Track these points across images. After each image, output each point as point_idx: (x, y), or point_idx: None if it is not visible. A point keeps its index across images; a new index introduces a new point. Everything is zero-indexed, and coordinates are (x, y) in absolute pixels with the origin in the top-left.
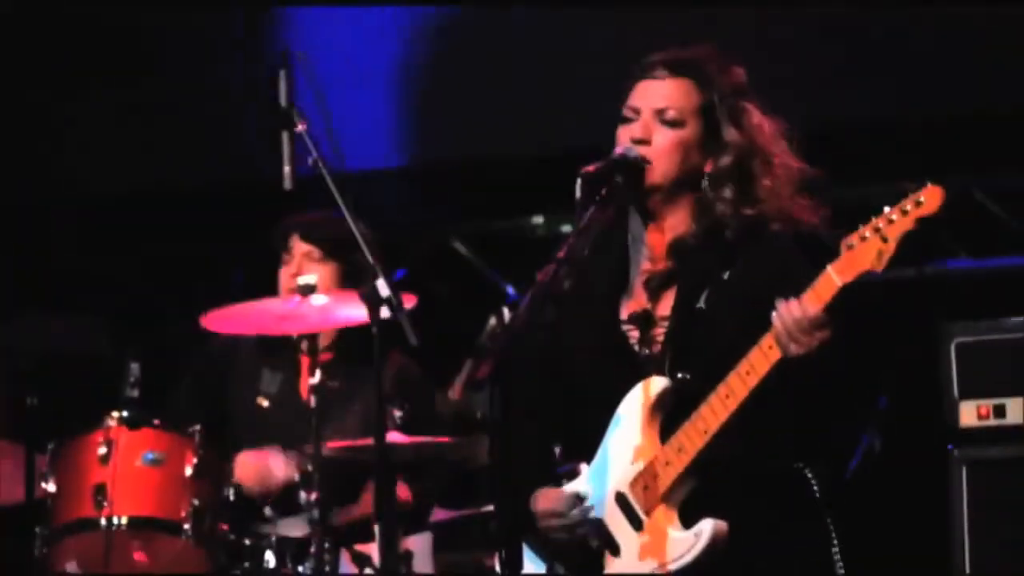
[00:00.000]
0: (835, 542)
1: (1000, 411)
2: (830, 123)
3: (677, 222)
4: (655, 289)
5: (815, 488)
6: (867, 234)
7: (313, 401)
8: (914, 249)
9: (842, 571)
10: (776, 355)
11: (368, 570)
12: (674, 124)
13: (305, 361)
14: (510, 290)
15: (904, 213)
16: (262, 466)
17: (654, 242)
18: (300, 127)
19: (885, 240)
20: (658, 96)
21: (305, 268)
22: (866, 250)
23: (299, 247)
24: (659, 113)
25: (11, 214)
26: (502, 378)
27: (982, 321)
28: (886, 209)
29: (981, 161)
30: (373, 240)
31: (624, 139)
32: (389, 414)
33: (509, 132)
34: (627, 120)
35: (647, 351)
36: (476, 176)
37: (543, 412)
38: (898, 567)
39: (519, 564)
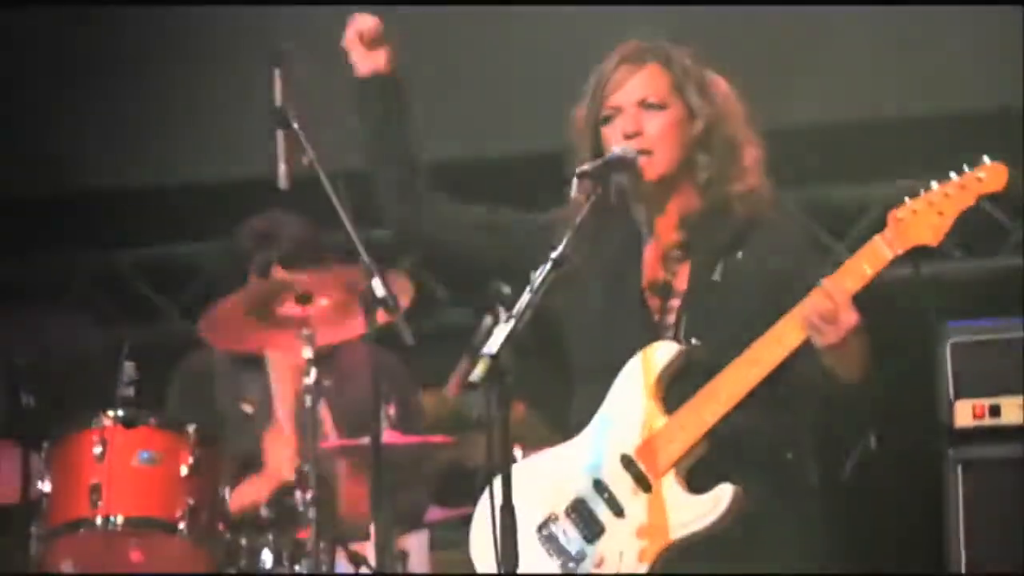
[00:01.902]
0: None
1: (995, 411)
2: None
3: (684, 201)
4: (670, 263)
5: (815, 477)
6: (919, 207)
7: (308, 401)
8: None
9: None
10: (796, 340)
11: (364, 569)
12: (660, 107)
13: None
14: (505, 289)
15: (963, 188)
16: (250, 497)
17: (662, 226)
18: (294, 125)
19: (942, 214)
20: (635, 87)
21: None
22: (918, 223)
23: (281, 275)
24: (641, 103)
25: (8, 208)
26: (498, 379)
27: (978, 321)
28: (936, 184)
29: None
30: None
31: (614, 137)
32: (384, 412)
33: None
34: (608, 120)
35: (662, 320)
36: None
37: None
38: (893, 565)
39: (515, 563)
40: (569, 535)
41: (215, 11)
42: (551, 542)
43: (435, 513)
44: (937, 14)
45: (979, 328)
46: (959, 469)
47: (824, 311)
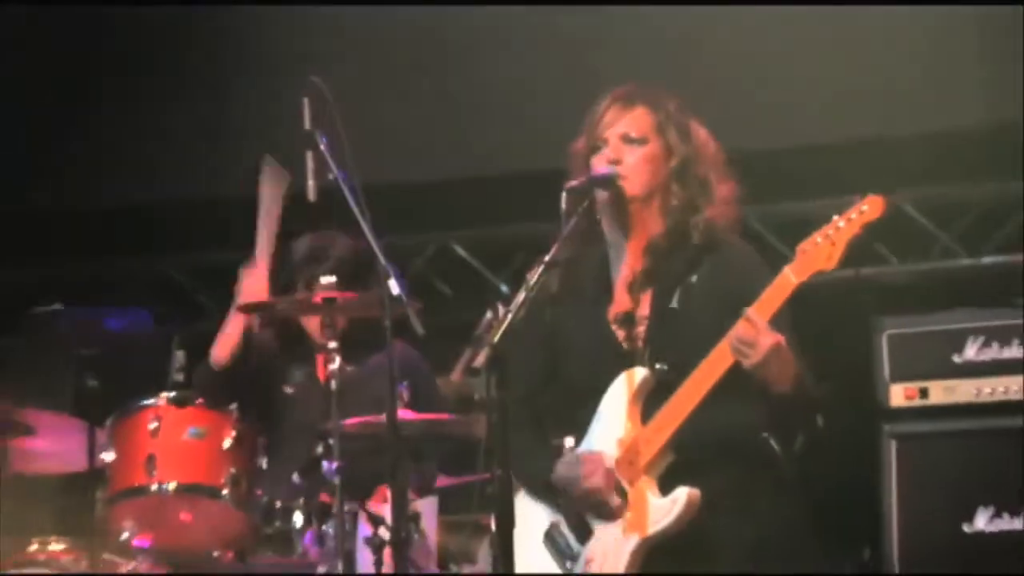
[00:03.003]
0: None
1: (924, 393)
2: None
3: (651, 227)
4: (635, 291)
5: (778, 454)
6: (819, 239)
7: (334, 384)
8: (852, 253)
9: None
10: (726, 362)
11: (382, 529)
12: (640, 143)
13: (321, 354)
14: (503, 288)
15: (850, 220)
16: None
17: (633, 248)
18: (321, 147)
19: (834, 244)
20: (621, 124)
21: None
22: (818, 253)
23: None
24: (623, 137)
25: (75, 218)
26: (497, 365)
27: (910, 316)
28: (835, 217)
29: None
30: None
31: (599, 164)
32: (399, 394)
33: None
34: (597, 150)
35: (631, 347)
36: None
37: (536, 396)
38: (839, 520)
39: (511, 524)
40: (568, 539)
41: (275, 20)
42: (555, 546)
43: (443, 481)
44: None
45: (911, 321)
46: (893, 442)
47: (745, 337)
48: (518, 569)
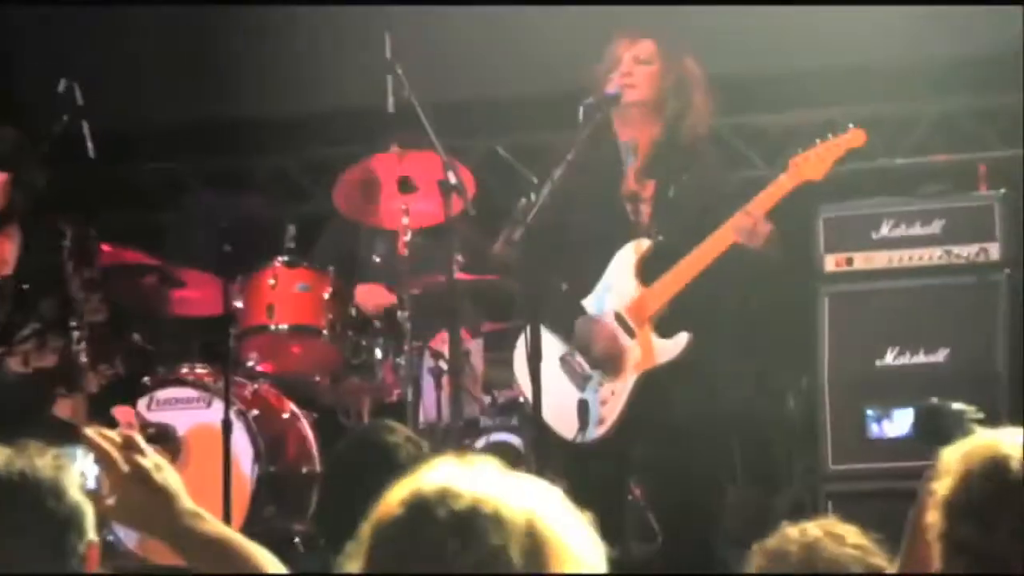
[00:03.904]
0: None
1: (850, 261)
2: None
3: (652, 129)
4: (641, 179)
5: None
6: (808, 155)
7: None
8: None
9: None
10: (728, 240)
11: (441, 362)
12: (646, 63)
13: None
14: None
15: (837, 144)
16: (374, 294)
17: (641, 147)
18: (399, 72)
19: (823, 161)
20: (634, 48)
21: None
22: (808, 166)
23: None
24: (635, 58)
25: (214, 122)
26: (528, 238)
27: (842, 203)
28: (829, 136)
29: None
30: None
31: (612, 83)
32: (455, 260)
33: None
34: (614, 68)
35: (636, 220)
36: None
37: (556, 264)
38: (781, 365)
39: (539, 359)
40: (583, 365)
41: None
42: (570, 369)
43: (487, 326)
44: None
45: (842, 207)
46: (826, 299)
47: (746, 226)
48: (541, 389)
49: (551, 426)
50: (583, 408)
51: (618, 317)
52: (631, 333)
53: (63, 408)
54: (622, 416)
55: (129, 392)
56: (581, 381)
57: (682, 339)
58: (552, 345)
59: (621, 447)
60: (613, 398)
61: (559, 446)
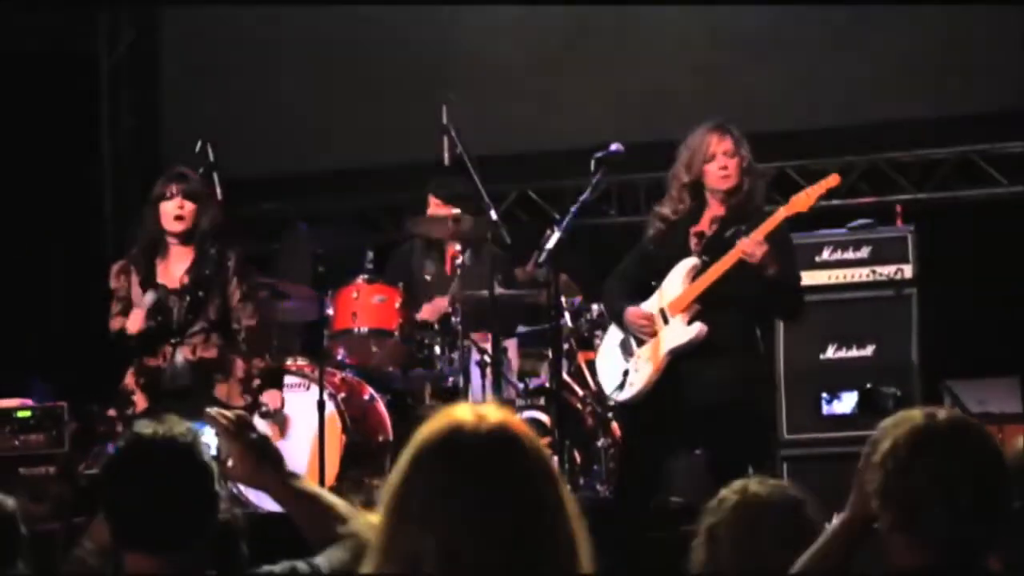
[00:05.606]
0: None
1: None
2: None
3: (731, 200)
4: (712, 225)
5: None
6: (800, 195)
7: (458, 272)
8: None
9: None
10: (736, 257)
11: (485, 356)
12: (733, 155)
13: (450, 252)
14: (556, 217)
15: (820, 187)
16: (435, 308)
17: (713, 209)
18: (452, 133)
19: (809, 197)
20: (723, 144)
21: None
22: (800, 201)
23: (435, 202)
24: (726, 152)
25: (307, 175)
26: (551, 262)
27: (795, 233)
28: (817, 183)
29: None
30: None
31: (712, 171)
32: (496, 278)
33: None
34: (709, 160)
35: (695, 250)
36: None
37: (626, 280)
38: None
39: (560, 346)
40: (632, 344)
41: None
42: (625, 348)
43: (521, 328)
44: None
45: (795, 237)
46: None
47: (748, 249)
48: (602, 360)
49: (602, 384)
50: (625, 375)
51: (660, 311)
52: (666, 321)
53: (220, 390)
54: (647, 385)
55: (276, 381)
56: (628, 356)
57: (695, 327)
58: (615, 332)
59: (640, 408)
60: (645, 370)
61: (602, 401)
